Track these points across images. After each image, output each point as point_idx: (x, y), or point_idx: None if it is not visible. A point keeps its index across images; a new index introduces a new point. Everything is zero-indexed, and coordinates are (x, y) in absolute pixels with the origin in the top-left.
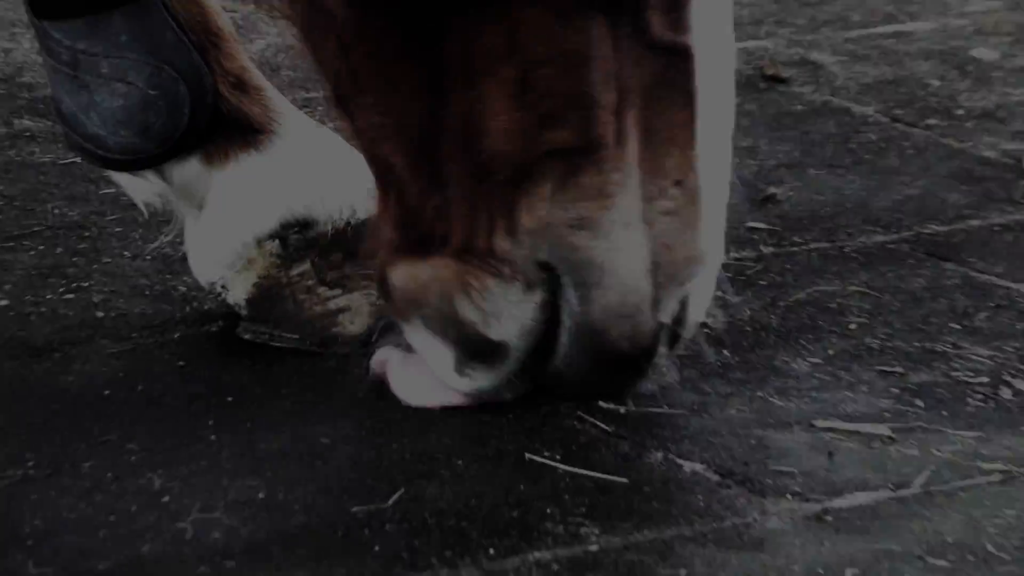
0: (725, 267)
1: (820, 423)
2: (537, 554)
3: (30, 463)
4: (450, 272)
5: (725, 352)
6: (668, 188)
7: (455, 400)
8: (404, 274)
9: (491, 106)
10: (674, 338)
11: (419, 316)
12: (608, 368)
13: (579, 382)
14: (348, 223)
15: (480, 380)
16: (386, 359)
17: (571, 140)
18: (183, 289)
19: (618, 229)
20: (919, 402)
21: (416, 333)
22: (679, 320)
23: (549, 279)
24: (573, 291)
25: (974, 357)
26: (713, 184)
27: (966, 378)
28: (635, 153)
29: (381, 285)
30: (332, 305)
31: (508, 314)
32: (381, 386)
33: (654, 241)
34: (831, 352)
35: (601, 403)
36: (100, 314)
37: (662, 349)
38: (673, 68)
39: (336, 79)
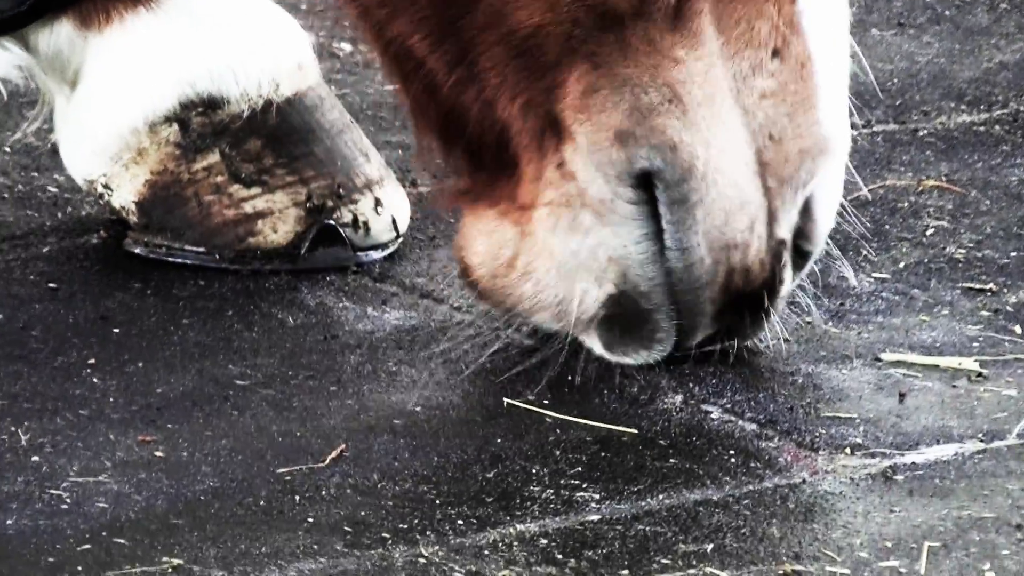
0: None
1: (888, 356)
2: (520, 526)
3: None
4: (540, 252)
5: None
6: (765, 61)
7: None
8: (485, 258)
9: None
10: (800, 256)
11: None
12: (721, 309)
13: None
14: (269, 102)
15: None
16: None
17: (623, 2)
18: (53, 190)
19: (703, 112)
20: (1016, 328)
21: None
22: (803, 233)
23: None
24: (670, 213)
25: None
26: (826, 46)
27: None
28: (711, 16)
29: (460, 264)
30: (248, 208)
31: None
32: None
33: (756, 134)
34: (902, 265)
35: None
36: None
37: (787, 274)
38: None
39: None
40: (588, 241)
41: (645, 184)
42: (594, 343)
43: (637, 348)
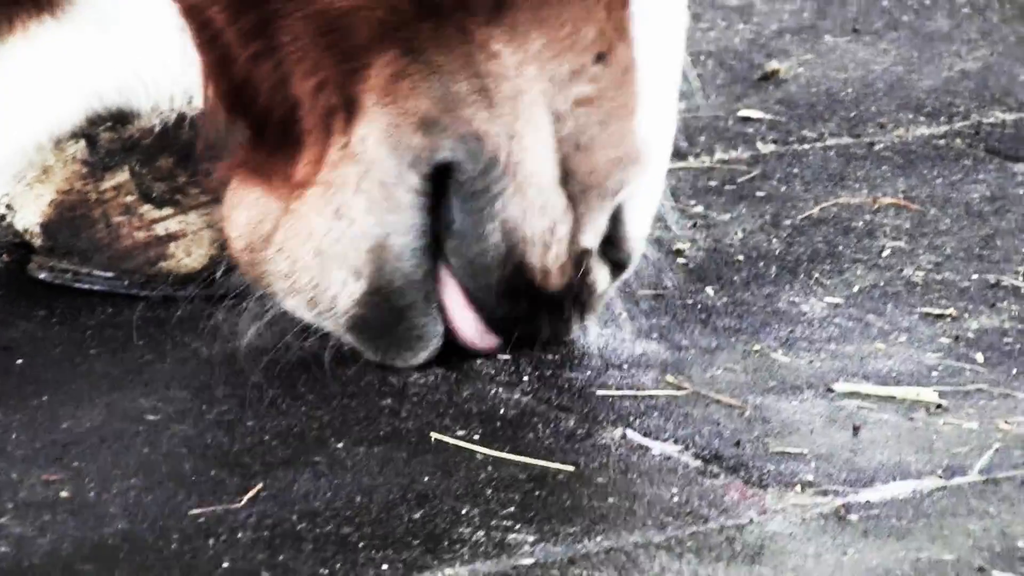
0: (709, 171)
1: (841, 387)
2: (449, 570)
3: None
4: (302, 226)
5: (708, 290)
6: (587, 66)
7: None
8: (244, 229)
9: None
10: (616, 265)
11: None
12: (516, 305)
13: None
14: (182, 116)
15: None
16: None
17: None
18: None
19: (511, 107)
20: (978, 356)
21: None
22: (615, 241)
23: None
24: (461, 205)
25: None
26: (655, 53)
27: None
28: (532, 14)
29: (222, 236)
30: (160, 230)
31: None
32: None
33: (564, 142)
34: (856, 288)
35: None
36: None
37: (596, 282)
38: None
39: None
40: (354, 228)
41: (436, 178)
42: (354, 343)
43: (399, 350)
